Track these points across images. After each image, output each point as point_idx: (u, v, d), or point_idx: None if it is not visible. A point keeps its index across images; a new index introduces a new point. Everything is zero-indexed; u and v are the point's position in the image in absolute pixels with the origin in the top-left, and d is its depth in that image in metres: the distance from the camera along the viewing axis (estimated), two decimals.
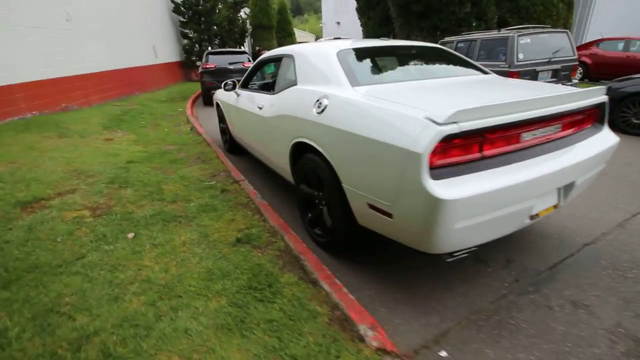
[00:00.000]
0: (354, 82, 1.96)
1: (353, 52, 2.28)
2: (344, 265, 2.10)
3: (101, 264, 1.99)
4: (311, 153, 2.17)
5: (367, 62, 2.29)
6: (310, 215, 2.42)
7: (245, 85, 3.71)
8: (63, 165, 3.69)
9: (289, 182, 2.73)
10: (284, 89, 2.58)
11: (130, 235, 2.32)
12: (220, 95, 4.61)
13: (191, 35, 14.41)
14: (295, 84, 2.42)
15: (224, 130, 4.72)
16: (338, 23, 29.21)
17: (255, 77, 3.75)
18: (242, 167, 3.98)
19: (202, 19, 14.53)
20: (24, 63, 6.51)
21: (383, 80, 2.03)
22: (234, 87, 3.65)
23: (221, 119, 4.69)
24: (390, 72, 2.24)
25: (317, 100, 2.01)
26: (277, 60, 2.99)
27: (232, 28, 16.25)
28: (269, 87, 3.64)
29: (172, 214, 2.68)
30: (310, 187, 2.33)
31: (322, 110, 1.94)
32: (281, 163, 2.72)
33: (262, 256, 2.13)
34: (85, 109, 7.78)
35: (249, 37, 18.83)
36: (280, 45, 25.01)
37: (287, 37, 31.73)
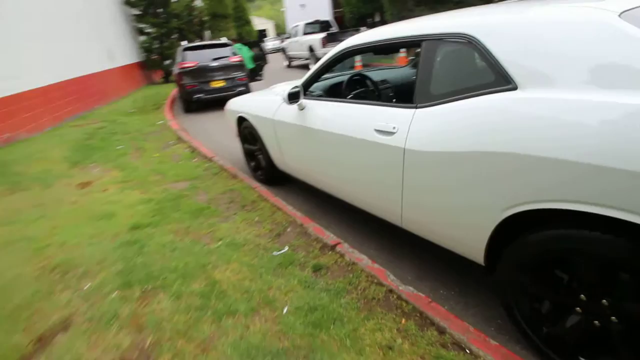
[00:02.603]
0: None
1: None
2: None
3: None
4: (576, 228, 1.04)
5: None
6: (549, 330, 1.28)
7: (306, 92, 2.41)
8: (31, 258, 2.19)
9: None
10: (462, 98, 1.37)
11: None
12: (247, 105, 3.25)
13: (149, 31, 12.36)
14: (511, 88, 1.22)
15: (252, 154, 3.39)
16: (302, 5, 27.41)
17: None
18: (306, 208, 2.73)
19: (159, 10, 12.48)
20: None
21: None
22: (297, 98, 2.30)
23: (248, 139, 3.35)
24: None
25: None
26: (410, 45, 1.75)
27: (192, 19, 14.34)
28: (377, 93, 2.47)
29: (272, 351, 1.43)
30: (557, 286, 1.20)
31: None
32: (447, 232, 1.53)
33: None
34: (37, 136, 6.01)
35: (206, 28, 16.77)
36: (239, 35, 22.31)
37: (245, 26, 29.30)
